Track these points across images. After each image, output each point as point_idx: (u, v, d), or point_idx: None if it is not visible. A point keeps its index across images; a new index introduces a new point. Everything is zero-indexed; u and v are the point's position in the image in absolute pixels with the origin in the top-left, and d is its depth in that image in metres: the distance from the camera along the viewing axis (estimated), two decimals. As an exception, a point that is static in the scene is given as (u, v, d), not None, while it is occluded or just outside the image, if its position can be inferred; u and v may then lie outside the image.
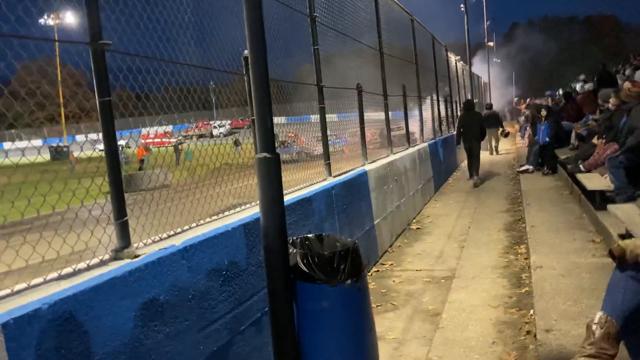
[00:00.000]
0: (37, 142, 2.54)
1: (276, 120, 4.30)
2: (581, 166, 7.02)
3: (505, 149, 17.99)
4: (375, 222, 5.65)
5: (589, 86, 12.87)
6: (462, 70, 20.05)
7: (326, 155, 4.83)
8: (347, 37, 5.90)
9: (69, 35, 2.31)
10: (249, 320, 2.84)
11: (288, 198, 3.59)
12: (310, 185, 4.38)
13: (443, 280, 4.79)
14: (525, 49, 73.29)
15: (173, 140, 5.84)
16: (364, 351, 2.52)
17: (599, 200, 5.79)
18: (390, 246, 6.14)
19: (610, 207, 4.84)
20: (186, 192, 2.96)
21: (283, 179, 2.50)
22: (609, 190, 5.70)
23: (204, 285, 2.49)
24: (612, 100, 7.56)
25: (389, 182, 6.42)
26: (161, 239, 2.52)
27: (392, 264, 5.48)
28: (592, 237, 5.17)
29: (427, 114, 10.97)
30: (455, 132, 12.63)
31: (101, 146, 2.21)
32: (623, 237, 4.19)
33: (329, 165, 4.83)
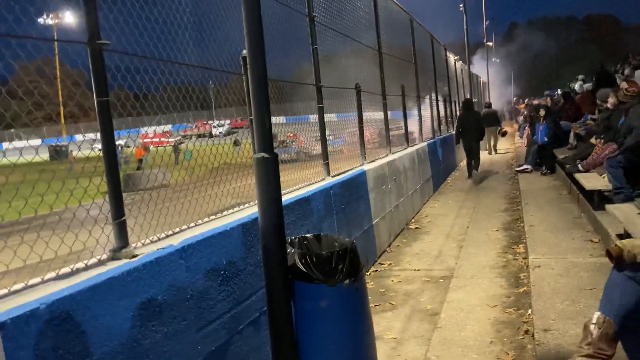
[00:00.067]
0: (36, 142, 2.54)
1: (275, 120, 4.31)
2: (579, 166, 7.03)
3: (503, 148, 18.00)
4: (374, 222, 5.65)
5: (587, 86, 12.88)
6: (461, 70, 20.05)
7: (325, 155, 4.83)
8: (346, 37, 5.91)
9: (67, 35, 2.31)
10: (247, 320, 2.84)
11: (286, 198, 3.60)
12: (309, 185, 4.38)
13: (441, 280, 4.80)
14: (525, 48, 73.41)
15: (172, 140, 5.84)
16: (362, 351, 2.53)
17: (598, 200, 5.80)
18: (389, 246, 6.14)
19: (608, 206, 4.85)
20: (184, 192, 2.96)
21: (281, 179, 2.50)
22: (607, 190, 5.71)
23: (202, 285, 2.49)
24: (610, 100, 7.56)
25: (387, 182, 6.42)
26: (159, 239, 2.52)
27: (390, 263, 5.48)
28: (590, 237, 5.18)
29: (426, 113, 10.97)
30: (454, 132, 12.65)
31: (100, 146, 2.21)
32: (621, 236, 4.20)
33: (327, 165, 4.84)
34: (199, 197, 2.96)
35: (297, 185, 4.21)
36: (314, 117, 4.85)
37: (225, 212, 3.15)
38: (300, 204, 3.75)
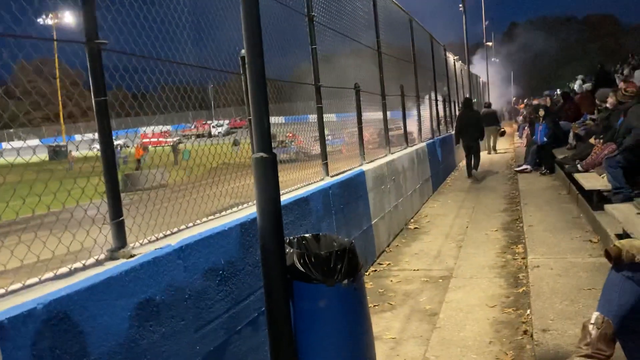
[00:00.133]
0: (33, 142, 2.54)
1: (275, 120, 4.31)
2: (579, 166, 7.03)
3: (503, 148, 18.02)
4: (373, 222, 5.65)
5: (587, 86, 12.89)
6: (461, 70, 20.06)
7: (323, 155, 4.83)
8: (345, 37, 5.90)
9: (65, 34, 2.30)
10: (246, 320, 2.84)
11: (285, 198, 3.59)
12: (308, 185, 4.38)
13: (440, 280, 4.80)
14: (524, 48, 73.45)
15: (170, 140, 5.83)
16: (361, 351, 2.53)
17: (597, 200, 5.80)
18: (388, 246, 6.14)
19: (607, 207, 4.85)
20: (182, 192, 2.95)
21: (280, 179, 2.50)
22: (607, 190, 5.71)
23: (201, 285, 2.49)
24: (610, 100, 7.57)
25: (386, 182, 6.42)
26: (157, 239, 2.51)
27: (389, 263, 5.48)
28: (589, 237, 5.18)
29: (425, 113, 10.97)
30: (453, 132, 12.66)
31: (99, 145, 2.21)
32: (620, 237, 4.20)
33: (326, 165, 4.83)
34: (197, 197, 2.96)
35: (295, 185, 4.21)
36: (313, 117, 4.85)
37: (223, 212, 3.15)
38: (299, 204, 3.75)
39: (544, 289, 3.88)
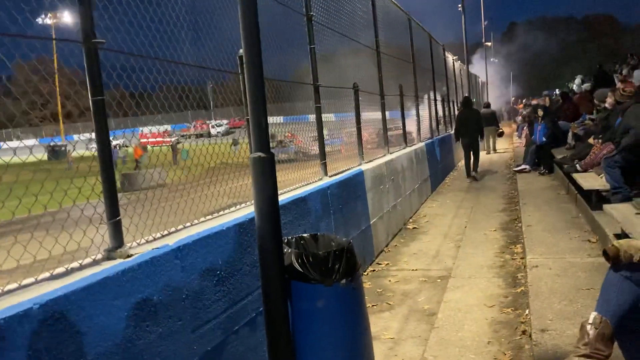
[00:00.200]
0: (31, 142, 2.53)
1: (274, 119, 4.30)
2: (577, 166, 7.04)
3: (502, 148, 18.04)
4: (372, 222, 5.65)
5: (586, 86, 12.89)
6: (460, 70, 20.06)
7: (322, 154, 4.82)
8: (344, 36, 5.90)
9: (64, 34, 2.30)
10: (244, 320, 2.83)
11: (283, 198, 3.59)
12: (306, 184, 4.38)
13: (439, 280, 4.79)
14: (524, 48, 73.51)
15: (168, 139, 5.82)
16: (359, 351, 2.52)
17: (595, 200, 5.80)
18: (387, 246, 6.14)
19: (606, 206, 4.85)
20: (180, 192, 2.95)
21: (279, 179, 2.50)
22: (605, 189, 5.71)
23: (198, 285, 2.48)
24: (608, 100, 7.58)
25: (385, 182, 6.42)
26: (155, 239, 2.51)
27: (388, 263, 5.48)
28: (588, 237, 5.18)
29: (424, 113, 10.97)
30: (453, 132, 12.67)
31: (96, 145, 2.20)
32: (619, 236, 4.19)
33: (324, 165, 4.83)
34: (195, 196, 2.95)
35: (294, 185, 4.21)
36: (312, 117, 4.84)
37: (221, 212, 3.15)
38: (297, 204, 3.75)
39: (543, 289, 3.88)
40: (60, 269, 2.03)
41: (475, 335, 3.55)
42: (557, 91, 19.66)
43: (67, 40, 2.16)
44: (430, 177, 9.85)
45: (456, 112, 16.16)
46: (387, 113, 7.49)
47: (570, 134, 9.87)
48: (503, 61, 60.62)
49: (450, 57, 16.82)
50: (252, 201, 2.41)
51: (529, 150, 10.90)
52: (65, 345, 1.76)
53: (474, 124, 11.21)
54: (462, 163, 12.53)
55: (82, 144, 2.71)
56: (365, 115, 6.49)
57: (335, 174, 5.01)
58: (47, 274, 1.98)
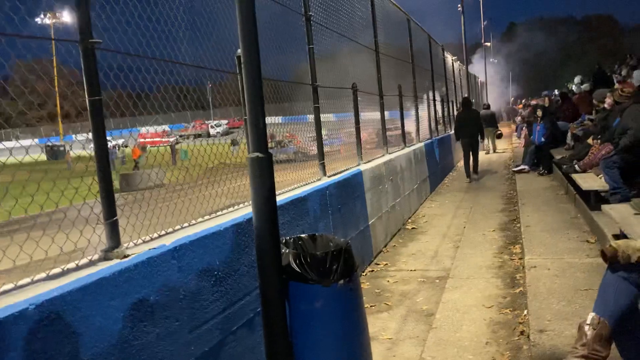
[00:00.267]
0: (29, 142, 2.52)
1: (273, 120, 4.30)
2: (576, 166, 7.03)
3: (501, 148, 18.06)
4: (370, 222, 5.64)
5: (585, 86, 12.90)
6: (459, 70, 20.07)
7: (320, 155, 4.82)
8: (342, 36, 5.89)
9: (62, 34, 2.29)
10: (241, 321, 2.83)
11: (281, 198, 3.58)
12: (305, 185, 4.37)
13: (437, 281, 4.79)
14: (523, 48, 73.48)
15: (167, 139, 5.81)
16: (357, 351, 2.52)
17: (594, 200, 5.80)
18: (385, 246, 6.14)
19: (604, 207, 4.84)
20: (177, 193, 2.94)
21: (277, 179, 2.49)
22: (604, 190, 5.71)
23: (195, 286, 2.48)
24: (607, 100, 7.57)
25: (384, 182, 6.41)
26: (152, 239, 2.50)
27: (386, 264, 5.47)
28: (586, 237, 5.18)
29: (423, 113, 10.97)
30: (453, 131, 12.67)
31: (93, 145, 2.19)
32: (617, 237, 4.19)
33: (323, 165, 4.82)
34: (192, 197, 2.95)
35: (292, 186, 4.20)
36: (312, 117, 4.84)
37: (219, 212, 3.14)
38: (296, 204, 3.74)
39: (541, 290, 3.87)
40: (57, 270, 2.03)
41: (473, 336, 3.54)
42: (557, 91, 19.66)
43: (64, 40, 2.15)
44: (429, 178, 9.84)
45: (455, 113, 16.18)
46: (386, 113, 7.48)
47: (569, 135, 9.88)
48: (503, 61, 60.66)
49: (449, 58, 16.82)
50: (250, 201, 2.41)
51: (528, 151, 10.90)
52: (61, 346, 1.76)
53: (473, 124, 11.22)
54: (461, 163, 12.53)
55: (80, 144, 2.71)
56: (365, 115, 6.49)
57: (334, 174, 5.01)
58: (43, 275, 1.98)
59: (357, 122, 5.92)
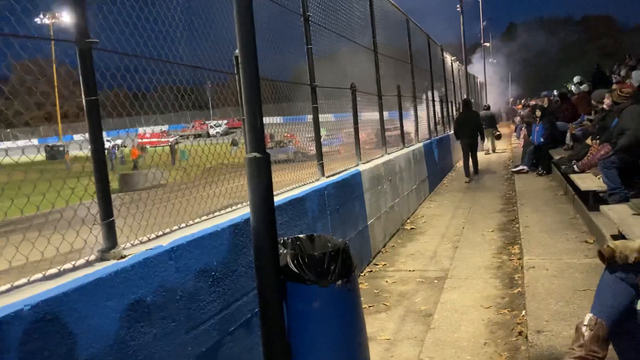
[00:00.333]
0: (30, 142, 2.51)
1: (273, 120, 4.29)
2: (575, 167, 7.04)
3: (500, 148, 18.07)
4: (369, 223, 5.64)
5: (584, 87, 12.89)
6: (458, 71, 20.07)
7: (319, 155, 4.81)
8: (341, 37, 5.89)
9: (60, 34, 2.29)
10: (239, 321, 2.82)
11: (279, 198, 3.58)
12: (303, 185, 4.37)
13: (436, 281, 4.79)
14: (522, 49, 73.54)
15: (166, 140, 5.81)
16: (355, 352, 2.51)
17: (592, 200, 5.80)
18: (384, 246, 6.13)
19: (602, 207, 4.84)
20: (175, 193, 2.94)
21: (276, 179, 2.49)
22: (602, 190, 5.71)
23: (192, 286, 2.47)
24: (606, 100, 7.56)
25: (382, 183, 6.41)
26: (149, 240, 2.50)
27: (385, 264, 5.47)
28: (585, 238, 5.18)
29: (422, 114, 10.97)
30: (452, 132, 12.67)
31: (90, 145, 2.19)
32: (616, 237, 4.19)
33: (322, 166, 4.82)
34: (190, 197, 2.94)
35: (290, 186, 4.20)
36: (310, 117, 4.83)
37: (217, 213, 3.13)
38: (294, 204, 3.74)
39: (539, 290, 3.87)
40: (53, 270, 2.02)
41: (471, 336, 3.54)
42: (556, 92, 19.66)
43: (60, 40, 2.15)
44: (428, 178, 9.84)
45: (454, 113, 16.20)
46: (385, 113, 7.48)
47: (568, 135, 9.87)
48: (502, 61, 60.69)
49: (448, 58, 16.83)
50: (248, 202, 2.40)
51: (527, 151, 10.90)
52: (57, 347, 1.75)
53: (473, 125, 11.24)
54: (460, 164, 12.54)
55: (79, 144, 2.70)
56: (364, 115, 6.49)
57: (333, 175, 5.01)
58: (39, 275, 1.97)
59: (356, 122, 5.91)
